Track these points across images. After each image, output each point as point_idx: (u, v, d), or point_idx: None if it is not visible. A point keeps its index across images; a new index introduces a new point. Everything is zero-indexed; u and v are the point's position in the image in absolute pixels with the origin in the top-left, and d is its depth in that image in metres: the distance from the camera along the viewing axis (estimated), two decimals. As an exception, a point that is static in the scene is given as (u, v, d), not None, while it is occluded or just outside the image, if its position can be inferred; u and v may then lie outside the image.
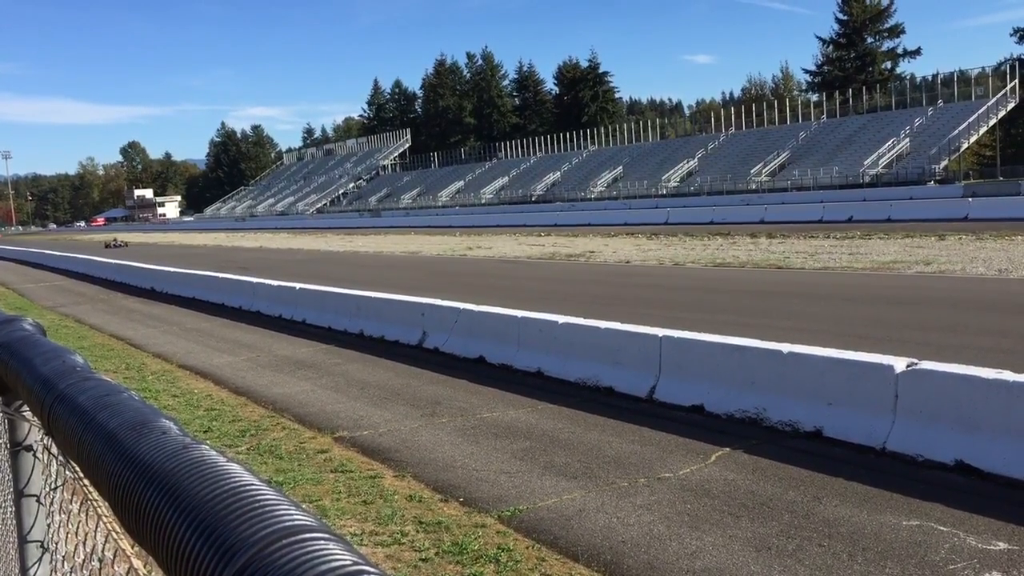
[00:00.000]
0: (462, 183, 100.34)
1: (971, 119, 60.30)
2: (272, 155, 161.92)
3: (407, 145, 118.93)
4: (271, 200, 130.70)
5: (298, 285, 18.49)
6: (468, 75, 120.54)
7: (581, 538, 5.72)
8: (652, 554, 5.40)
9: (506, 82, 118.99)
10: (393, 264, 32.54)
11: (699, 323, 11.85)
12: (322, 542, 0.66)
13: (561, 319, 11.20)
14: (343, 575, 0.62)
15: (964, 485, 6.26)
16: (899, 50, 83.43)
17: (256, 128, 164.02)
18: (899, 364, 7.22)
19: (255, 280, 20.64)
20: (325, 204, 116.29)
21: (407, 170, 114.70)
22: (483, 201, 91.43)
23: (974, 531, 5.42)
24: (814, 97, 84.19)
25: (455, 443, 8.20)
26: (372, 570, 0.63)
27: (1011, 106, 62.68)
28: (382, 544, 5.66)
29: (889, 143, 62.62)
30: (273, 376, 12.16)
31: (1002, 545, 5.20)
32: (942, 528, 5.51)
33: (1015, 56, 70.10)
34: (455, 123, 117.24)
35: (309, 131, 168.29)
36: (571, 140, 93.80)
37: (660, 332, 9.63)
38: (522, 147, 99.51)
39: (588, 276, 23.83)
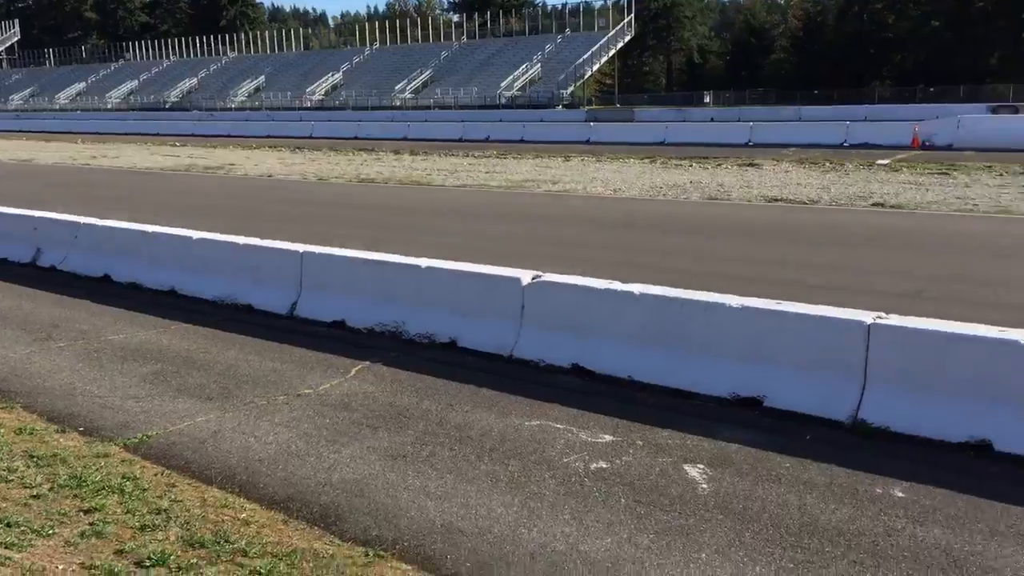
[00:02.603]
0: (84, 85, 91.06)
1: (594, 49, 65.18)
2: None
3: (16, 39, 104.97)
4: None
5: None
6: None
7: (216, 460, 5.53)
8: (289, 470, 5.36)
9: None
10: None
11: (342, 238, 11.81)
12: None
13: (196, 234, 10.63)
14: None
15: (579, 386, 6.88)
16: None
17: None
18: (525, 277, 7.70)
19: None
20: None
21: (16, 67, 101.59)
22: (109, 106, 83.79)
23: (585, 427, 5.99)
24: (455, 17, 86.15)
25: (75, 369, 7.54)
26: None
27: (628, 38, 68.56)
28: (-15, 485, 5.08)
29: (523, 67, 66.03)
30: None
31: (608, 438, 5.80)
32: (558, 426, 6.02)
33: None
34: (74, 17, 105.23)
35: None
36: (208, 45, 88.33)
37: (301, 248, 9.48)
38: (153, 49, 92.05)
39: (228, 190, 22.84)
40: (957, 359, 5.63)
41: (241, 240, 10.18)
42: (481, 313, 7.92)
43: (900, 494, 4.90)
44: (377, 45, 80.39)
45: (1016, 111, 41.41)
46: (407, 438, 5.85)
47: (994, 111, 41.07)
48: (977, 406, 5.51)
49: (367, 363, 7.55)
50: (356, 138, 43.46)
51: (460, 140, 40.12)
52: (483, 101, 62.29)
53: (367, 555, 4.35)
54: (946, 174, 21.08)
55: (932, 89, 60.61)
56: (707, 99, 70.07)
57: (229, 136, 48.02)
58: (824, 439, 5.69)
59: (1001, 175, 20.54)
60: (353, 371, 7.35)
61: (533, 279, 7.66)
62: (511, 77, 65.22)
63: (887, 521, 4.60)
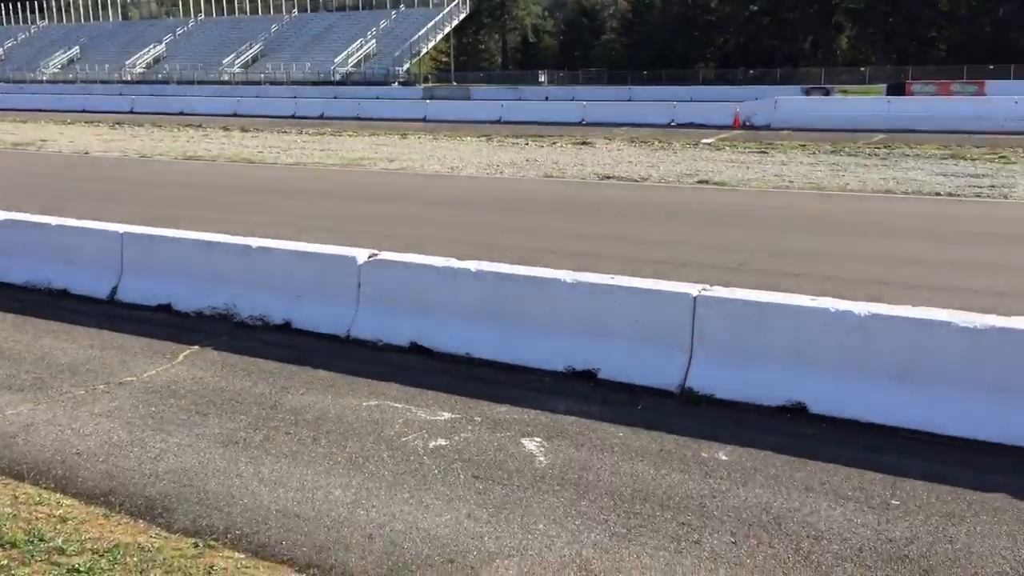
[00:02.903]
0: None
1: (429, 25, 64.76)
2: None
3: None
4: None
5: None
6: None
7: (28, 455, 5.18)
8: (111, 462, 5.08)
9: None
10: None
11: (169, 219, 11.28)
12: None
13: (2, 215, 9.91)
14: None
15: (417, 364, 6.84)
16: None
17: None
18: (362, 255, 7.58)
19: None
20: None
21: None
22: (-100, 77, 76.63)
23: (424, 405, 5.97)
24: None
25: None
26: None
27: (463, 16, 68.50)
28: None
29: (358, 42, 64.90)
30: None
31: (446, 415, 5.80)
32: (397, 405, 5.97)
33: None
34: None
35: None
36: (14, 12, 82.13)
37: (121, 228, 8.99)
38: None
39: (40, 168, 21.41)
40: (774, 327, 5.94)
41: (54, 221, 9.56)
42: (316, 293, 7.74)
43: (724, 457, 5.13)
44: (203, 16, 76.97)
45: (827, 93, 44.10)
46: (239, 423, 5.66)
47: (807, 93, 43.62)
48: (793, 371, 5.83)
49: (196, 348, 7.25)
50: (182, 113, 41.64)
51: (293, 117, 39.10)
52: (317, 77, 60.85)
53: (197, 546, 4.17)
54: (764, 152, 22.20)
55: (752, 71, 63.69)
56: (542, 78, 70.97)
57: (40, 111, 44.96)
58: (655, 408, 5.89)
59: (814, 153, 21.81)
60: (181, 356, 7.04)
61: (369, 257, 7.55)
62: (345, 53, 63.98)
63: (713, 483, 4.81)
